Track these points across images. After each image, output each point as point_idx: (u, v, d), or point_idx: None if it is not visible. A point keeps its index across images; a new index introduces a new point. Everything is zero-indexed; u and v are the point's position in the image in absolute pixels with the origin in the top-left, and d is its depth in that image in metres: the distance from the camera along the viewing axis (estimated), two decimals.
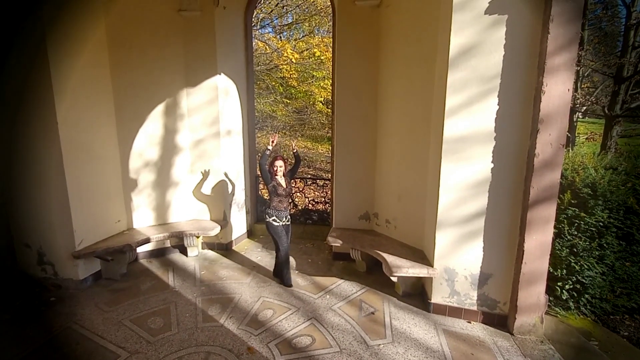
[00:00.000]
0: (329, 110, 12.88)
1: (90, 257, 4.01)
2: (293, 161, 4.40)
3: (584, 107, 8.17)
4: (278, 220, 4.01)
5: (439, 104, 3.27)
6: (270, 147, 3.95)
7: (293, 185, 4.63)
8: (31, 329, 3.21)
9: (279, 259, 4.10)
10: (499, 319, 3.30)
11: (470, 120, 3.04)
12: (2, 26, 3.51)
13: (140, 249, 4.70)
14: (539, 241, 2.99)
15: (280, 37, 13.53)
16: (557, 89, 2.80)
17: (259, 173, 4.10)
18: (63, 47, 3.67)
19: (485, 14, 2.90)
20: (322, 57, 11.68)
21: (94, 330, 3.18)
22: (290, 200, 4.19)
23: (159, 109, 4.76)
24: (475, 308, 3.35)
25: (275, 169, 3.98)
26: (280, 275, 4.15)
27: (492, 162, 3.05)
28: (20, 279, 3.97)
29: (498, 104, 2.97)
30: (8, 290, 3.79)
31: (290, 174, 4.20)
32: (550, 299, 3.49)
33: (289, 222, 4.15)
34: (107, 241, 4.24)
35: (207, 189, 5.09)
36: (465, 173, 3.14)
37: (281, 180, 4.02)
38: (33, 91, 3.61)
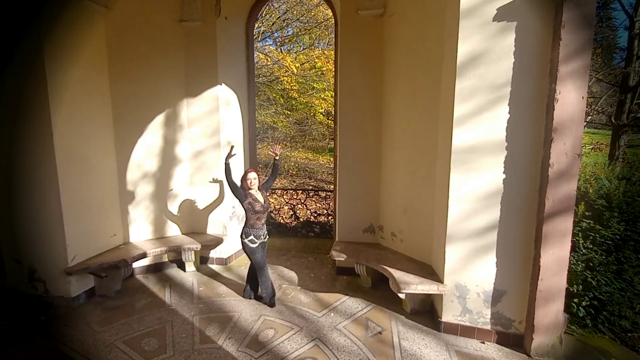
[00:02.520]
0: (330, 121, 12.86)
1: (84, 274, 3.84)
2: (270, 171, 4.03)
3: (589, 117, 8.11)
4: (256, 240, 3.68)
5: (446, 113, 3.16)
6: (228, 161, 3.75)
7: (295, 197, 4.47)
8: (18, 351, 3.02)
9: (261, 284, 3.82)
10: (515, 338, 3.11)
11: (479, 129, 2.93)
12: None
13: (136, 264, 4.53)
14: (555, 256, 2.84)
15: (281, 49, 13.63)
16: (571, 97, 2.70)
17: (233, 193, 3.69)
18: (61, 58, 3.60)
19: (493, 20, 2.83)
20: (323, 69, 11.71)
21: (84, 353, 2.99)
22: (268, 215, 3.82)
23: (159, 119, 4.67)
24: (489, 327, 3.17)
25: (249, 181, 3.64)
26: (257, 289, 3.95)
27: (503, 172, 2.92)
28: (10, 297, 3.79)
29: (509, 113, 2.86)
30: None
31: (266, 186, 3.86)
32: (567, 316, 3.31)
33: (266, 239, 3.83)
34: (102, 256, 4.08)
35: (206, 201, 4.95)
36: (475, 184, 3.01)
37: (257, 194, 3.69)
38: (28, 102, 3.51)
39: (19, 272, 3.82)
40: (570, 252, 2.93)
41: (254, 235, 3.69)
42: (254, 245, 3.70)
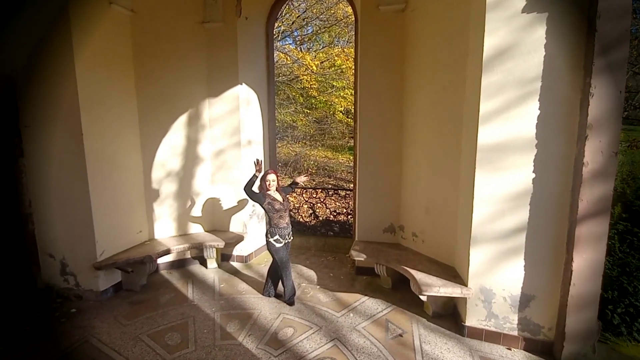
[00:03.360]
0: (349, 119, 12.78)
1: (111, 268, 3.99)
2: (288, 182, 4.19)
3: (625, 113, 7.65)
4: (281, 240, 3.72)
5: (471, 110, 3.05)
6: (257, 175, 3.75)
7: (314, 195, 4.46)
8: (50, 341, 3.18)
9: (285, 282, 3.85)
10: (544, 346, 2.96)
11: (507, 126, 2.80)
12: (33, 40, 3.61)
13: (160, 260, 4.66)
14: (589, 260, 2.68)
15: (301, 48, 13.66)
16: (608, 91, 2.53)
17: (252, 199, 3.75)
18: (90, 60, 3.74)
19: (522, 12, 2.69)
20: (343, 67, 11.64)
21: (111, 345, 3.11)
22: (289, 215, 3.91)
23: (182, 119, 4.78)
24: (515, 333, 3.04)
25: (267, 183, 3.71)
26: (277, 287, 4.02)
27: (533, 172, 2.78)
28: (44, 289, 3.99)
29: (539, 109, 2.72)
30: (31, 300, 3.81)
31: (284, 190, 3.96)
32: (601, 323, 3.13)
33: (290, 239, 3.88)
34: (128, 252, 4.22)
35: (227, 200, 5.03)
36: (502, 184, 2.88)
37: (275, 194, 3.76)
38: (60, 104, 3.67)
39: (53, 266, 4.01)
40: (606, 257, 2.77)
41: (279, 235, 3.72)
42: (279, 245, 3.73)
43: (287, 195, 3.98)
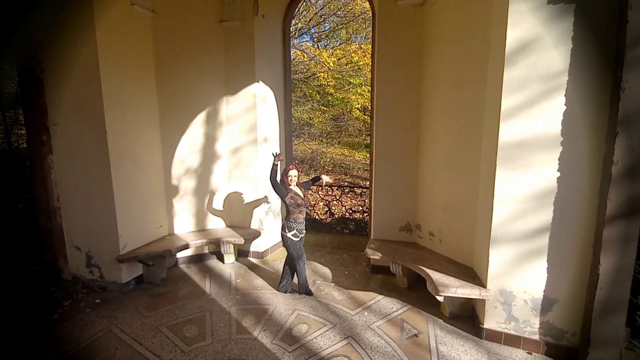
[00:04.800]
0: (366, 117, 12.65)
1: (133, 262, 4.13)
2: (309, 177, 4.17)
3: None
4: (299, 234, 3.82)
5: (493, 106, 2.95)
6: (277, 163, 3.74)
7: (330, 193, 4.46)
8: (75, 329, 3.32)
9: (299, 273, 3.92)
10: (567, 351, 2.85)
11: (530, 123, 2.70)
12: (60, 42, 3.76)
13: (179, 254, 4.79)
14: (617, 264, 2.55)
15: (318, 45, 13.62)
16: None
17: (275, 190, 3.78)
18: (113, 60, 3.86)
19: (548, 3, 2.58)
20: (360, 63, 11.53)
21: (133, 336, 3.22)
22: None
23: (200, 117, 4.87)
24: (537, 337, 2.93)
25: (289, 178, 3.78)
26: (291, 284, 4.07)
27: (558, 170, 2.67)
28: (71, 280, 4.18)
29: (565, 105, 2.60)
30: (59, 290, 3.99)
31: (303, 185, 4.03)
32: (629, 330, 2.98)
33: (304, 234, 3.96)
34: (149, 246, 4.35)
35: (244, 196, 5.09)
36: (524, 183, 2.78)
37: (296, 189, 3.83)
38: (85, 103, 3.82)
39: (79, 258, 4.19)
40: (635, 260, 2.63)
41: (296, 229, 3.80)
42: (297, 239, 3.81)
43: (306, 191, 4.02)
